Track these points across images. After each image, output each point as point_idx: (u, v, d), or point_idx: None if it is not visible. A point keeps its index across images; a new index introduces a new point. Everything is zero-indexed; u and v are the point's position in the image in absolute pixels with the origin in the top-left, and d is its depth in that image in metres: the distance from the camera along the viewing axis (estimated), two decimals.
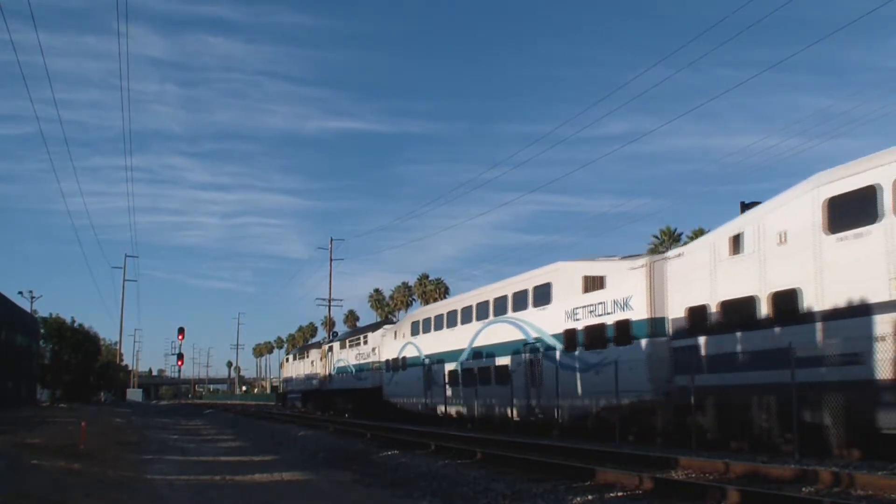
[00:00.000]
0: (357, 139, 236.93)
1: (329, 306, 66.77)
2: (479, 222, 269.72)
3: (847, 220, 14.50)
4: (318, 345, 57.50)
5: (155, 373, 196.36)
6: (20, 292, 66.80)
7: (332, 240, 65.26)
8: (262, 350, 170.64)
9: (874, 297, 13.82)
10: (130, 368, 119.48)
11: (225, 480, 12.05)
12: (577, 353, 23.05)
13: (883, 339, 13.49)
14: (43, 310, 72.86)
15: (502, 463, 13.98)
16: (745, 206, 18.34)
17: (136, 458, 15.60)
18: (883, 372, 13.31)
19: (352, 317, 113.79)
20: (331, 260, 64.77)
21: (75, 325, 73.45)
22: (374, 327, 45.79)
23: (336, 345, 49.91)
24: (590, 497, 9.70)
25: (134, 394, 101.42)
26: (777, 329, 16.02)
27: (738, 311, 17.14)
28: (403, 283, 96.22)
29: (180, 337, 50.56)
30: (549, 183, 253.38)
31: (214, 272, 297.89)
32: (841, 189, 14.61)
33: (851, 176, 14.56)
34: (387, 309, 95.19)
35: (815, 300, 15.19)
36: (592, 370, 22.09)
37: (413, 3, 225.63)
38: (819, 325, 15.01)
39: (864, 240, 14.17)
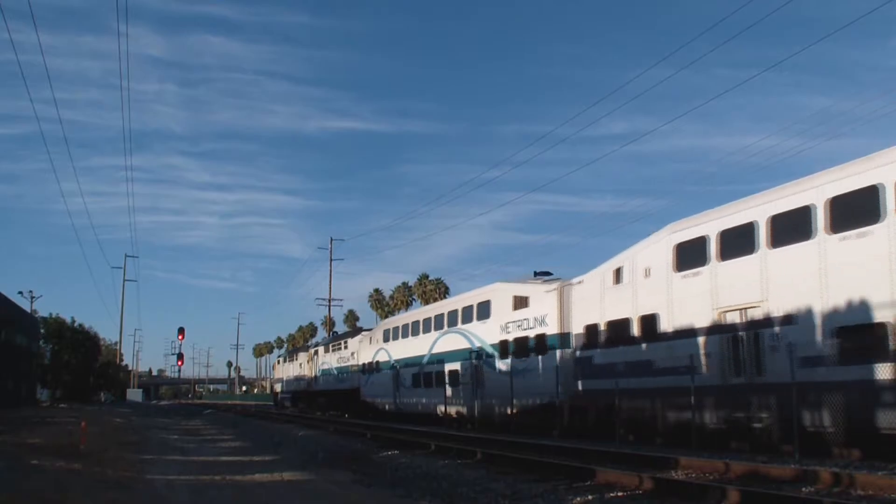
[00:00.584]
0: (357, 139, 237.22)
1: (329, 306, 66.82)
2: (480, 222, 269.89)
3: (687, 262, 18.93)
4: (306, 348, 61.60)
5: (155, 373, 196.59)
6: (20, 292, 66.80)
7: (332, 240, 65.36)
8: (262, 350, 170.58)
9: (704, 323, 18.17)
10: (130, 368, 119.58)
11: (225, 480, 12.05)
12: (508, 360, 26.88)
13: (709, 354, 17.87)
14: (43, 310, 73.05)
15: (502, 463, 13.99)
16: None
17: (136, 458, 15.60)
18: (712, 379, 17.65)
19: (352, 317, 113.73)
20: (331, 260, 64.82)
21: (75, 325, 73.54)
22: (353, 334, 49.70)
23: (321, 349, 53.80)
24: (590, 497, 9.70)
25: (134, 394, 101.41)
26: (643, 345, 20.24)
27: (619, 330, 21.26)
28: (403, 283, 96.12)
29: (180, 337, 50.45)
30: (549, 183, 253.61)
31: (214, 272, 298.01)
32: (684, 238, 19.21)
33: (691, 227, 19.04)
34: (387, 309, 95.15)
35: (667, 323, 19.43)
36: (520, 375, 25.79)
37: (413, 3, 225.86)
38: (670, 343, 19.15)
39: (697, 278, 18.51)
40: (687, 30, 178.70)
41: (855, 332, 14.49)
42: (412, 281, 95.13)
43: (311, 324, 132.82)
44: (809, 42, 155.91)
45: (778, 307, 16.39)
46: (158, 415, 47.39)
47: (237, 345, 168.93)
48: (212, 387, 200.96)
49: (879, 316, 14.00)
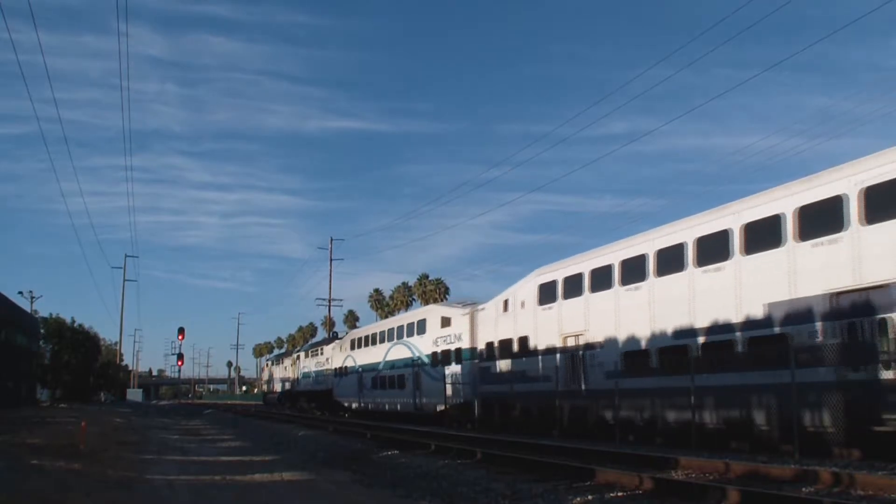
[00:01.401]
0: (357, 139, 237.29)
1: (329, 306, 66.88)
2: (480, 222, 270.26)
3: (545, 299, 25.52)
4: (290, 353, 69.48)
5: (155, 373, 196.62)
6: (20, 292, 66.92)
7: (332, 240, 65.49)
8: (262, 350, 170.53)
9: (556, 343, 24.85)
10: (130, 368, 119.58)
11: (225, 480, 12.05)
12: (437, 368, 33.63)
13: (558, 367, 24.38)
14: (43, 310, 73.03)
15: (502, 463, 14.00)
16: None
17: (136, 458, 15.60)
18: (561, 385, 24.07)
19: (352, 317, 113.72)
20: (331, 260, 64.88)
21: (75, 325, 73.54)
22: (327, 342, 56.38)
23: (302, 354, 60.86)
24: (590, 497, 9.70)
25: (134, 394, 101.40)
26: (522, 359, 26.83)
27: (507, 347, 27.99)
28: (403, 284, 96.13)
29: (180, 337, 50.62)
30: (549, 183, 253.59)
31: (214, 272, 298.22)
32: (544, 280, 25.79)
33: (548, 273, 25.63)
34: (387, 309, 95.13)
35: (535, 343, 25.98)
36: (444, 380, 32.51)
37: (414, 2, 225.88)
38: (538, 358, 25.69)
39: (551, 311, 25.13)
40: (687, 30, 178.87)
41: (633, 355, 20.95)
42: (412, 281, 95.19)
43: (311, 324, 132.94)
44: (810, 42, 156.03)
45: (594, 335, 22.86)
46: (158, 415, 47.39)
47: (237, 345, 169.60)
48: (212, 387, 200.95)
49: (644, 346, 20.56)
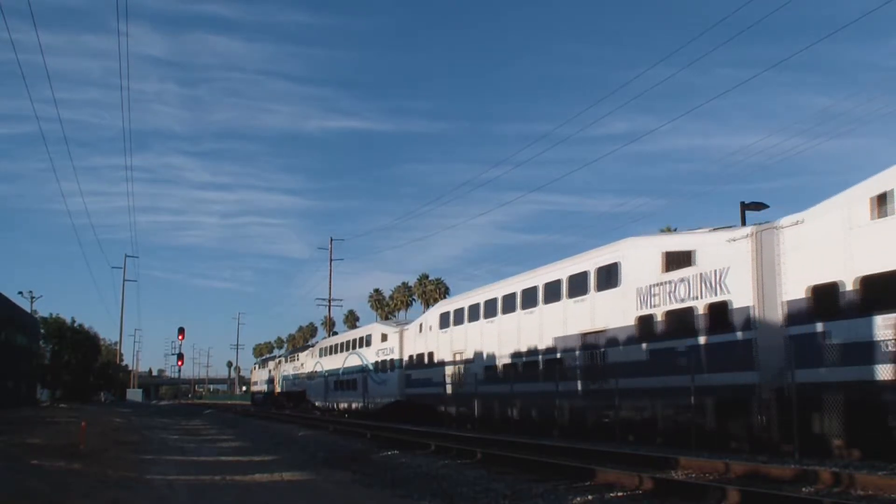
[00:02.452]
0: (357, 138, 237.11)
1: (329, 306, 66.93)
2: (480, 222, 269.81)
3: (443, 324, 34.49)
4: (273, 359, 79.91)
5: (155, 373, 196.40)
6: (20, 292, 66.83)
7: (332, 240, 65.55)
8: (262, 350, 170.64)
9: (450, 358, 33.43)
10: (130, 368, 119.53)
11: (225, 480, 12.05)
12: (378, 374, 42.12)
13: (452, 375, 32.71)
14: (43, 310, 72.94)
15: (502, 463, 13.99)
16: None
17: (136, 459, 15.60)
18: (454, 389, 32.37)
19: (351, 317, 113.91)
20: (331, 260, 64.93)
21: (75, 325, 73.52)
22: (303, 349, 66.14)
23: (283, 360, 71.98)
24: (590, 497, 9.70)
25: (134, 394, 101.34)
26: (430, 368, 35.38)
27: (420, 359, 36.68)
28: (403, 284, 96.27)
29: (180, 337, 50.61)
30: (549, 182, 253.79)
31: (214, 272, 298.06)
32: (442, 311, 35.17)
33: (445, 306, 35.73)
34: (387, 309, 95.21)
35: (438, 357, 34.65)
36: (384, 384, 41.03)
37: (414, 2, 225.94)
38: (439, 369, 34.19)
39: (447, 334, 34.16)
40: (688, 29, 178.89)
41: (490, 368, 29.65)
42: (412, 281, 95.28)
43: (311, 324, 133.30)
44: (811, 41, 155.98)
45: (469, 354, 31.57)
46: (158, 415, 47.40)
47: (237, 345, 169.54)
48: (212, 387, 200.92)
49: (495, 363, 29.19)
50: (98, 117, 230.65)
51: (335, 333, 68.28)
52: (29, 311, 63.44)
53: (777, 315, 16.75)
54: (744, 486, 9.77)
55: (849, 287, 14.98)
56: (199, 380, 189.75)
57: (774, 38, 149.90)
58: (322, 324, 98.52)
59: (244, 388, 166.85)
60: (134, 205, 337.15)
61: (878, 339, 14.22)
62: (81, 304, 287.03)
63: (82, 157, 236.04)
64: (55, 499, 9.31)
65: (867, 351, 14.32)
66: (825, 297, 15.48)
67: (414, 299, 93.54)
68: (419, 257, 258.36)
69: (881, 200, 14.65)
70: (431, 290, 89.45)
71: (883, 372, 14.00)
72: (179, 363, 58.12)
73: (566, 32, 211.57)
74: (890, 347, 13.97)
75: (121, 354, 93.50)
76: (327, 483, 11.85)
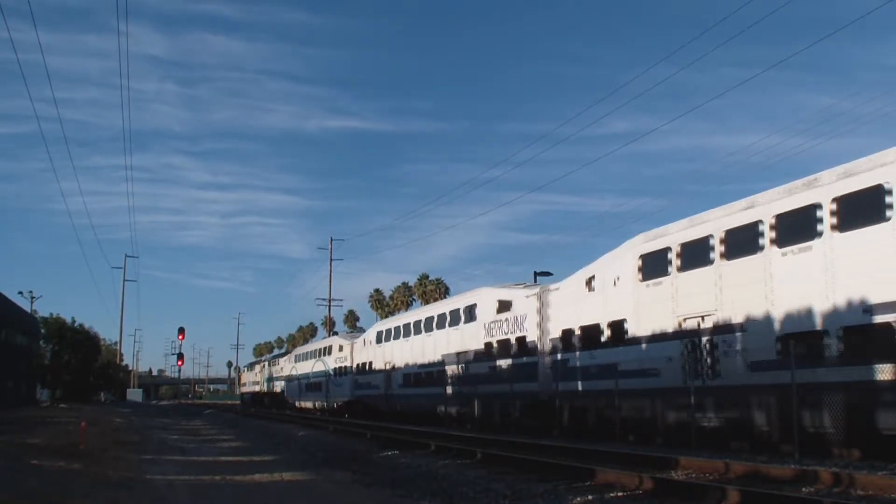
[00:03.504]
0: (358, 138, 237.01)
1: (329, 306, 66.98)
2: (480, 222, 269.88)
3: (379, 339, 43.21)
4: (259, 362, 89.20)
5: (155, 373, 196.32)
6: (20, 292, 66.80)
7: (332, 240, 65.64)
8: (262, 350, 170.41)
9: (381, 367, 42.04)
10: (130, 368, 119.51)
11: (225, 480, 12.05)
12: (335, 378, 50.90)
13: (406, 376, 38.23)
14: (43, 310, 72.95)
15: (502, 463, 13.99)
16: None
17: (136, 459, 15.60)
18: (383, 390, 41.18)
19: (352, 317, 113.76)
20: (331, 260, 64.99)
21: (75, 325, 73.52)
22: (282, 355, 77.34)
23: (266, 364, 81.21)
24: (590, 497, 9.70)
25: (134, 394, 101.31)
26: (373, 374, 42.64)
27: (366, 366, 44.13)
28: (403, 284, 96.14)
29: (180, 337, 50.55)
30: (550, 182, 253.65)
31: (214, 272, 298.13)
32: (384, 327, 43.73)
33: (386, 323, 44.69)
34: (387, 309, 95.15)
35: (374, 365, 42.90)
36: (341, 385, 49.38)
37: (414, 1, 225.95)
38: (375, 374, 42.09)
39: (381, 347, 42.43)
40: (689, 28, 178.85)
41: (408, 375, 37.11)
42: (412, 281, 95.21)
43: (311, 324, 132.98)
44: (812, 41, 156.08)
45: (394, 364, 39.52)
46: (158, 415, 47.40)
47: (237, 345, 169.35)
48: (212, 387, 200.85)
49: (411, 371, 36.56)
50: (98, 117, 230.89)
51: (335, 333, 68.73)
52: (29, 311, 63.45)
53: (547, 346, 25.47)
54: (744, 486, 9.77)
55: (576, 332, 23.74)
56: (199, 380, 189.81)
57: (775, 38, 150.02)
58: (322, 324, 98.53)
59: None
60: (134, 205, 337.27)
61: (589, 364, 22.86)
62: (81, 304, 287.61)
63: (82, 156, 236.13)
64: (55, 499, 9.31)
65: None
66: (566, 337, 24.20)
67: (414, 299, 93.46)
68: (419, 257, 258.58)
69: (589, 281, 23.45)
70: (431, 290, 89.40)
71: (600, 384, 22.03)
72: (179, 363, 58.06)
73: (566, 32, 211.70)
74: (593, 371, 22.61)
75: (121, 354, 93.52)
76: (327, 483, 11.86)
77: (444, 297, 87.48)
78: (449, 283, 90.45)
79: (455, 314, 33.17)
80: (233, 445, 20.77)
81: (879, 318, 14.06)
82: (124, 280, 79.94)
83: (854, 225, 14.77)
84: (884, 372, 13.82)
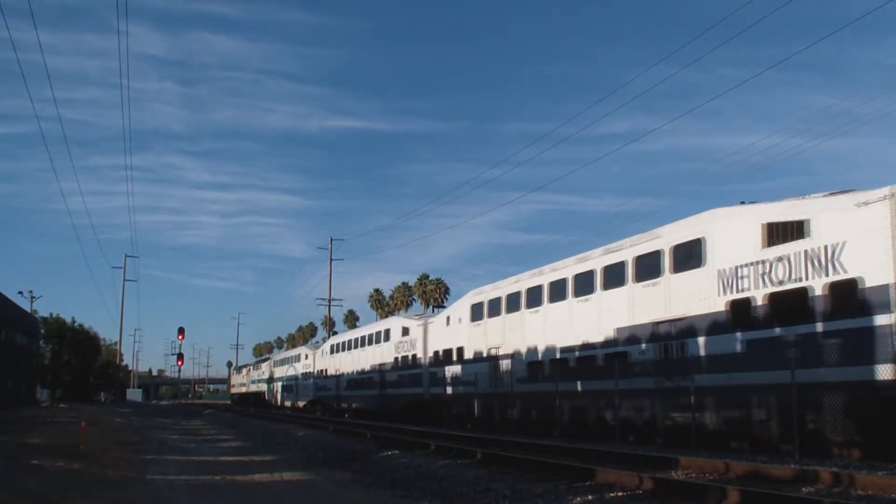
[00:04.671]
0: (358, 138, 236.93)
1: (329, 306, 66.96)
2: (480, 222, 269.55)
3: (336, 350, 54.09)
4: (246, 366, 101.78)
5: (155, 373, 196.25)
6: (20, 292, 66.60)
7: (332, 240, 65.64)
8: (262, 350, 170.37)
9: (335, 373, 53.05)
10: (130, 368, 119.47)
11: (225, 480, 12.05)
12: (302, 381, 61.79)
13: (339, 383, 52.86)
14: (43, 310, 72.78)
15: (502, 463, 13.98)
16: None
17: (136, 459, 15.60)
18: (345, 389, 51.29)
19: (352, 317, 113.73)
20: (331, 260, 65.01)
21: (75, 325, 73.47)
22: (264, 360, 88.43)
23: (251, 367, 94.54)
24: (590, 497, 9.70)
25: (134, 394, 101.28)
26: (326, 379, 55.83)
27: (324, 372, 56.15)
28: (403, 283, 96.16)
29: (180, 337, 50.47)
30: (550, 182, 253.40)
31: (214, 272, 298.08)
32: (334, 342, 55.42)
33: (333, 340, 57.15)
34: (387, 309, 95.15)
35: (330, 371, 55.24)
36: (306, 388, 60.44)
37: (414, 1, 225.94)
38: (334, 378, 53.24)
39: (335, 357, 53.74)
40: (689, 28, 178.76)
41: (352, 380, 48.34)
42: (412, 281, 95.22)
43: (311, 324, 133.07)
44: (812, 40, 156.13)
45: (341, 371, 51.23)
46: (158, 415, 47.40)
47: (237, 345, 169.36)
48: (212, 387, 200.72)
49: (354, 376, 48.24)
50: (98, 117, 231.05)
51: (335, 333, 69.36)
52: (29, 311, 63.40)
53: (427, 361, 37.78)
54: (744, 486, 9.77)
55: (441, 353, 35.61)
56: (199, 380, 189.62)
57: (775, 38, 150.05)
58: (322, 324, 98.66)
59: None
60: (134, 205, 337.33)
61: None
62: (81, 304, 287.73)
63: (82, 156, 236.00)
64: (55, 499, 9.31)
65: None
66: (436, 356, 36.97)
67: (414, 299, 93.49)
68: (419, 257, 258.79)
69: (447, 319, 34.81)
70: (431, 290, 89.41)
71: (451, 389, 33.77)
72: (179, 363, 58.01)
73: (567, 32, 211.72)
74: (449, 379, 33.74)
75: (121, 354, 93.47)
76: (327, 483, 11.86)
77: (445, 298, 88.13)
78: (449, 284, 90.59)
79: (377, 335, 44.82)
80: (233, 445, 20.77)
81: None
82: (124, 280, 79.93)
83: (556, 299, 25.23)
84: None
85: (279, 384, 72.04)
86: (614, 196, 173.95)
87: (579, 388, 23.02)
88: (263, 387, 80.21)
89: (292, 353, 72.42)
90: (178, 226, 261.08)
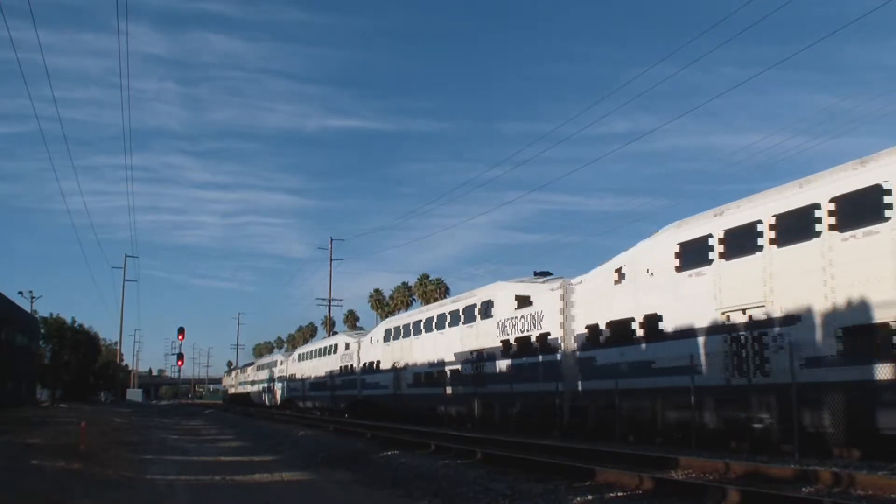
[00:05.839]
0: (358, 138, 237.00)
1: (329, 306, 67.08)
2: (481, 221, 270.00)
3: (302, 358, 64.82)
4: (237, 368, 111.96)
5: (155, 373, 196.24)
6: (20, 292, 66.62)
7: (332, 240, 65.72)
8: (262, 350, 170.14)
9: (312, 376, 60.30)
10: (130, 368, 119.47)
11: (225, 480, 12.06)
12: (277, 383, 71.20)
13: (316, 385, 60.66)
14: (43, 310, 72.74)
15: (502, 463, 13.97)
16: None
17: (136, 459, 15.61)
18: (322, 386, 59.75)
19: (352, 317, 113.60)
20: (331, 260, 65.07)
21: (75, 325, 73.46)
22: (249, 364, 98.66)
23: (239, 371, 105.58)
24: (590, 497, 9.70)
25: (134, 394, 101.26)
26: (299, 382, 63.39)
27: (294, 376, 64.51)
28: (403, 283, 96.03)
29: (180, 337, 50.43)
30: (550, 182, 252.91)
31: (214, 272, 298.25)
32: (302, 351, 67.25)
33: (300, 350, 70.33)
34: (387, 309, 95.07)
35: (300, 375, 63.04)
36: (281, 389, 69.29)
37: (414, 0, 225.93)
38: (304, 381, 61.86)
39: (302, 364, 64.05)
40: (690, 27, 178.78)
41: (315, 382, 57.49)
42: (412, 281, 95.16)
43: (311, 324, 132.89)
44: (813, 40, 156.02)
45: (303, 375, 60.47)
46: (158, 415, 47.42)
47: (237, 345, 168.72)
48: (211, 387, 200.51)
49: (312, 380, 58.46)
50: (98, 116, 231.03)
51: (335, 333, 69.26)
52: (29, 311, 63.39)
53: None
54: (744, 486, 9.77)
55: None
56: (199, 380, 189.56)
57: (776, 37, 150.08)
58: (322, 324, 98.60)
59: None
60: (134, 204, 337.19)
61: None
62: (81, 304, 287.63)
63: (82, 156, 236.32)
64: (55, 499, 9.32)
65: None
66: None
67: (414, 299, 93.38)
68: (420, 257, 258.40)
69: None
70: (432, 289, 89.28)
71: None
72: (179, 363, 57.92)
73: (568, 31, 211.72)
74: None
75: (121, 354, 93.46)
76: (328, 483, 11.86)
77: (445, 298, 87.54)
78: (449, 284, 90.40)
79: (329, 348, 54.94)
80: (233, 445, 20.77)
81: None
82: (124, 280, 79.88)
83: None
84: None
85: (259, 386, 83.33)
86: (615, 196, 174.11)
87: (431, 392, 34.77)
88: (249, 388, 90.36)
89: (270, 358, 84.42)
90: (178, 226, 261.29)
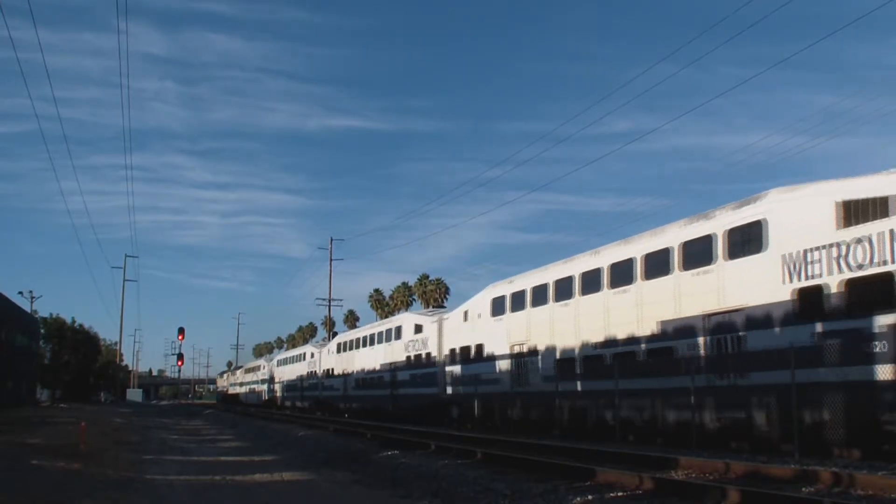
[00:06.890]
0: (358, 137, 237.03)
1: (329, 306, 67.08)
2: (481, 221, 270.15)
3: (283, 362, 76.20)
4: (227, 371, 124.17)
5: (155, 373, 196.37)
6: (20, 292, 66.56)
7: (332, 239, 65.75)
8: (262, 350, 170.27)
9: (292, 378, 68.60)
10: (130, 368, 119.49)
11: (225, 481, 12.06)
12: (261, 384, 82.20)
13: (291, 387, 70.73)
14: (43, 310, 72.72)
15: (502, 463, 13.98)
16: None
17: (136, 459, 15.61)
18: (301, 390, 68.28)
19: (351, 317, 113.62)
20: (331, 260, 65.12)
21: (75, 325, 73.44)
22: (239, 367, 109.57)
23: (229, 373, 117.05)
24: (590, 497, 9.70)
25: (134, 394, 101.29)
26: (274, 384, 78.70)
27: (280, 378, 73.04)
28: (403, 283, 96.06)
29: (180, 337, 50.44)
30: (551, 182, 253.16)
31: (214, 272, 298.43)
32: (280, 357, 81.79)
33: (281, 355, 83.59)
34: (387, 309, 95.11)
35: (278, 379, 77.81)
36: (265, 391, 79.76)
37: (414, 0, 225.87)
38: (282, 383, 73.14)
39: (284, 367, 73.41)
40: (691, 27, 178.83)
41: (289, 384, 68.71)
42: (412, 281, 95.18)
43: (311, 324, 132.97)
44: (814, 39, 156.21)
45: (288, 379, 68.60)
46: (158, 415, 47.43)
47: (237, 345, 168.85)
48: (211, 387, 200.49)
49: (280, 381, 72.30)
50: (98, 116, 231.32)
51: (335, 334, 69.20)
52: (29, 311, 63.38)
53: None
54: (744, 486, 9.77)
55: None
56: (199, 380, 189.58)
57: (777, 37, 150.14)
58: (322, 324, 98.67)
59: None
60: (134, 204, 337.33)
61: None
62: (81, 304, 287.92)
63: (82, 156, 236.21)
64: (55, 499, 9.32)
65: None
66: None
67: (414, 299, 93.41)
68: (420, 257, 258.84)
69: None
70: (432, 290, 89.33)
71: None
72: (179, 363, 57.92)
73: (568, 31, 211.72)
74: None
75: (121, 354, 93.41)
76: (328, 483, 11.86)
77: (445, 298, 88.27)
78: (449, 284, 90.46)
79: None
80: (233, 445, 20.78)
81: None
82: (124, 280, 79.82)
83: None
84: None
85: (245, 387, 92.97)
86: (615, 196, 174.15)
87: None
88: (238, 389, 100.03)
89: (255, 363, 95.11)
90: (178, 226, 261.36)
